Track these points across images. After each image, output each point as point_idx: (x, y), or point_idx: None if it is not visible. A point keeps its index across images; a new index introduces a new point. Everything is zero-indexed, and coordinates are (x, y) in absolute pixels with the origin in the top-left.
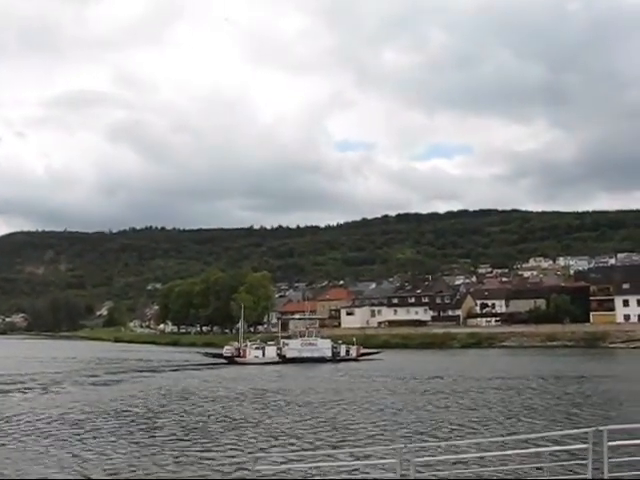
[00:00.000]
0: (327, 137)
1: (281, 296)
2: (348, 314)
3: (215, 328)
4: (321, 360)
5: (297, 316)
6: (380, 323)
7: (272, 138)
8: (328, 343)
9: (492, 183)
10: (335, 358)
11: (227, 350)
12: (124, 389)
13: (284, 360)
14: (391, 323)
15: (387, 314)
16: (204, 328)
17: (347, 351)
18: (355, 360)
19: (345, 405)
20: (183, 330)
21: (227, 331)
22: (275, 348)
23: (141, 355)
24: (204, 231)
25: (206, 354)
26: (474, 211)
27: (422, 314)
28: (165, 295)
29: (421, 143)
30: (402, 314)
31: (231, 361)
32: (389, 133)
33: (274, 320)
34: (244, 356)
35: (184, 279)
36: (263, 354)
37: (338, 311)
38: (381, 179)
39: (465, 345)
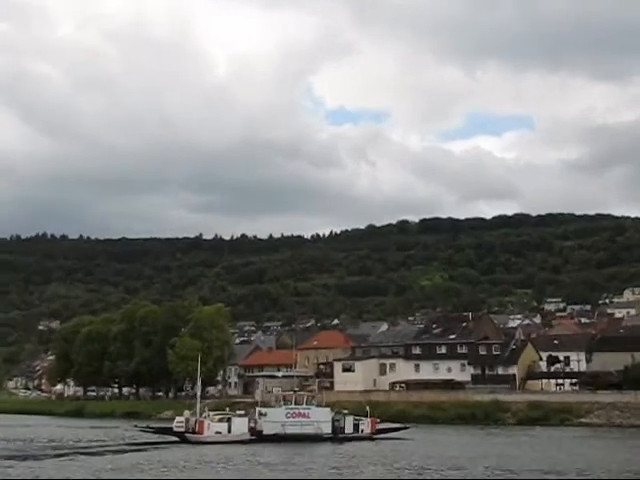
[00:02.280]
0: (314, 103)
1: (244, 341)
2: (345, 370)
3: (142, 390)
4: (316, 438)
5: (280, 373)
6: (394, 384)
7: (231, 103)
8: (327, 413)
9: (564, 174)
10: (337, 436)
11: (178, 423)
12: None
13: (260, 438)
14: (411, 385)
15: (405, 371)
16: (125, 390)
17: (356, 425)
18: (369, 439)
19: None
20: (93, 393)
21: (160, 394)
22: (246, 420)
23: (21, 432)
24: (127, 242)
25: (146, 429)
26: (538, 216)
27: (458, 372)
28: (65, 339)
29: (456, 113)
30: (428, 371)
31: (184, 438)
32: (407, 98)
33: (233, 378)
34: (201, 432)
35: (95, 315)
36: (229, 429)
37: (330, 365)
38: (396, 167)
39: (523, 421)
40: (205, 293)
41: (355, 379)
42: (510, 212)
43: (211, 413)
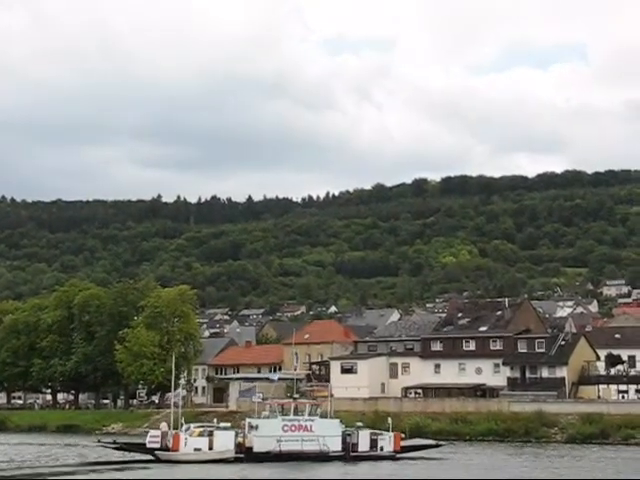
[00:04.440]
0: (304, 27)
1: (215, 334)
2: (345, 371)
3: (83, 397)
4: (321, 457)
5: (276, 375)
6: (408, 390)
7: (197, 28)
8: (335, 426)
9: (628, 119)
10: (349, 454)
11: (152, 438)
12: None
13: (249, 456)
14: (429, 391)
15: (422, 373)
16: (61, 397)
17: (373, 441)
18: (392, 458)
19: None
20: (19, 401)
21: (107, 401)
22: (232, 434)
23: None
24: (64, 206)
25: (109, 445)
26: (594, 175)
27: (490, 374)
28: None
29: (488, 39)
30: (451, 374)
31: (155, 457)
32: (424, 20)
33: (201, 382)
34: (176, 448)
35: (22, 300)
36: (210, 445)
37: (325, 365)
38: (410, 110)
39: (574, 438)
40: (164, 272)
41: (358, 383)
42: (559, 169)
43: (192, 425)
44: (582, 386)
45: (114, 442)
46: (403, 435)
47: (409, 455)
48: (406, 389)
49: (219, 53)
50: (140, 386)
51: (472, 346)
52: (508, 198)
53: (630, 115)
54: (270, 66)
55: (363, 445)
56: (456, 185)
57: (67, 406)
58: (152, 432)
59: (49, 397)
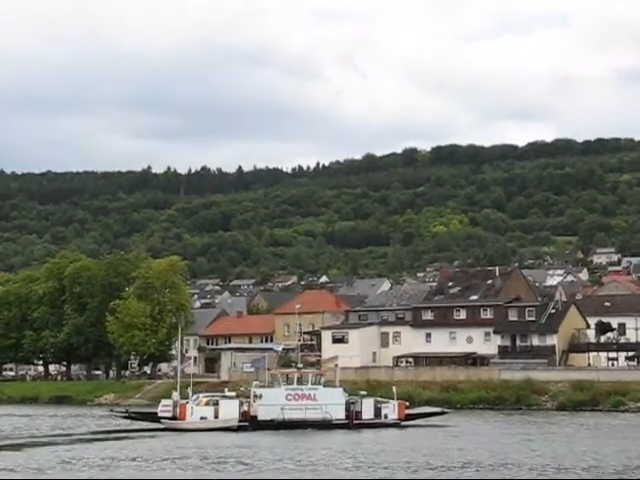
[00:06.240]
0: None
1: (206, 305)
2: (337, 341)
3: (75, 368)
4: (324, 425)
5: (280, 346)
6: (399, 359)
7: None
8: (339, 395)
9: (616, 88)
10: (352, 422)
11: (164, 407)
12: None
13: (254, 424)
14: (420, 360)
15: (413, 342)
16: (52, 368)
17: (377, 409)
18: (396, 426)
19: None
20: (10, 372)
21: (98, 372)
22: (237, 403)
23: None
24: (54, 177)
25: (118, 414)
26: (584, 143)
27: (481, 343)
28: None
29: (475, 7)
30: (442, 342)
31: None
32: None
33: (192, 352)
34: (182, 417)
35: (13, 272)
36: (215, 414)
37: (317, 335)
38: (396, 79)
39: (565, 405)
40: (155, 243)
41: (349, 352)
42: (548, 137)
43: (200, 395)
44: (572, 354)
45: (126, 411)
46: (407, 403)
47: (413, 423)
48: (397, 358)
49: (204, 23)
50: (132, 357)
51: (463, 315)
52: (498, 167)
53: (618, 83)
54: (255, 36)
55: (367, 413)
56: (446, 154)
57: (59, 377)
58: (164, 401)
59: (41, 369)
